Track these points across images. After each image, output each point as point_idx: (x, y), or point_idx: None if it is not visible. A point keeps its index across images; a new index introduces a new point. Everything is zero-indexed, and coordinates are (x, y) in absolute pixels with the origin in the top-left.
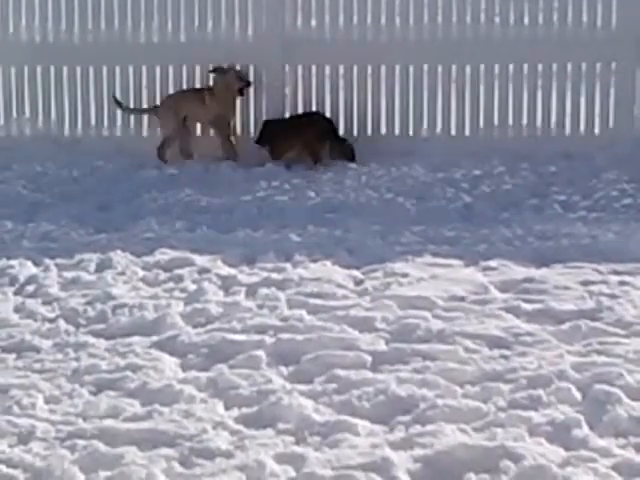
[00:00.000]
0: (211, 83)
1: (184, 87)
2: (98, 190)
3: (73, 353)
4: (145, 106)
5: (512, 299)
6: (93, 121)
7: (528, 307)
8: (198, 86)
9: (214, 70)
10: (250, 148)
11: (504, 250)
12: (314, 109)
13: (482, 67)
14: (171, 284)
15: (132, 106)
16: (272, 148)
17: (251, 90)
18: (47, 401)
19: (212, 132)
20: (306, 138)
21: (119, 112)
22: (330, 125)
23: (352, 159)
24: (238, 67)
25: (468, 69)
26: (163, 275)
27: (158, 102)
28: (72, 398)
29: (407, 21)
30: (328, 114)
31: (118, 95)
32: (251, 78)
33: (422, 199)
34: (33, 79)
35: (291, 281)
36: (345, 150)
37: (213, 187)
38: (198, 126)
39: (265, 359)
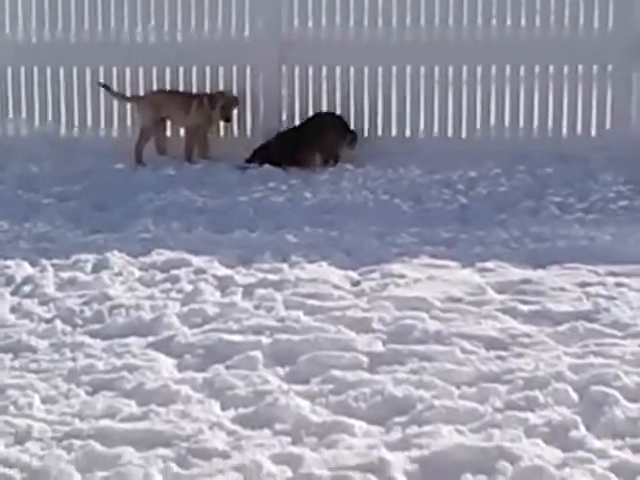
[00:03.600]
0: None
1: (169, 87)
2: (95, 190)
3: (70, 353)
4: (128, 95)
5: (509, 300)
6: (90, 121)
7: (525, 308)
8: (187, 90)
9: (210, 96)
10: (246, 149)
11: (501, 251)
12: (311, 111)
13: (479, 69)
14: (168, 285)
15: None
16: (296, 158)
17: (247, 91)
18: (44, 401)
19: (182, 131)
20: (328, 141)
21: (115, 113)
22: (341, 120)
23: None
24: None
25: (465, 71)
26: (160, 276)
27: (141, 93)
28: (69, 398)
29: (404, 22)
30: None
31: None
32: (248, 80)
33: (419, 200)
34: (29, 79)
35: (288, 282)
36: (353, 138)
37: (210, 188)
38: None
39: (262, 360)
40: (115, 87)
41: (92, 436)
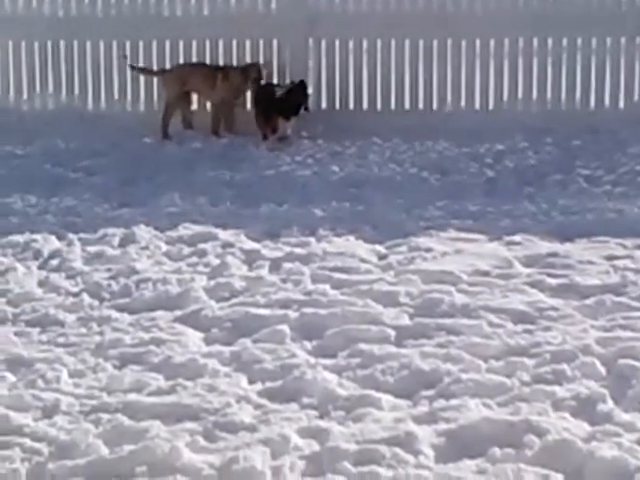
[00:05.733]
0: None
1: (195, 60)
2: (121, 165)
3: (97, 327)
4: (155, 69)
5: (536, 274)
6: (116, 96)
7: (552, 282)
8: (213, 63)
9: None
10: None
11: (528, 225)
12: (337, 83)
13: (506, 41)
14: (194, 258)
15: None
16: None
17: (275, 65)
18: (71, 375)
19: (208, 105)
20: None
21: (142, 87)
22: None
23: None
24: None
25: (492, 43)
26: (186, 250)
27: (167, 67)
28: (96, 372)
29: None
30: (351, 88)
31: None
32: (275, 54)
33: (446, 174)
34: (56, 54)
35: (315, 255)
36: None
37: (236, 162)
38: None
39: (289, 333)
40: (141, 61)
41: (119, 410)
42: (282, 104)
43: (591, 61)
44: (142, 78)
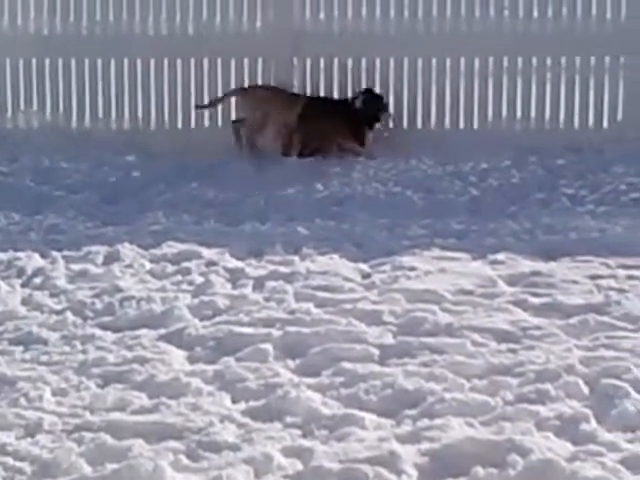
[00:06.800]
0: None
1: (265, 82)
2: (106, 183)
3: (80, 346)
4: (219, 95)
5: (520, 293)
6: (101, 114)
7: (536, 301)
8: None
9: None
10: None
11: (512, 243)
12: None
13: (491, 60)
14: (178, 277)
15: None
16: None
17: (259, 83)
18: (54, 393)
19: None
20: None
21: (126, 105)
22: None
23: None
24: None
25: (477, 62)
26: (170, 268)
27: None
28: (79, 391)
29: (416, 14)
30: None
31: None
32: (259, 72)
33: (430, 192)
34: (41, 71)
35: (298, 274)
36: None
37: (220, 180)
38: None
39: (272, 352)
40: (127, 80)
41: (102, 429)
42: (364, 114)
43: (575, 80)
44: (126, 94)
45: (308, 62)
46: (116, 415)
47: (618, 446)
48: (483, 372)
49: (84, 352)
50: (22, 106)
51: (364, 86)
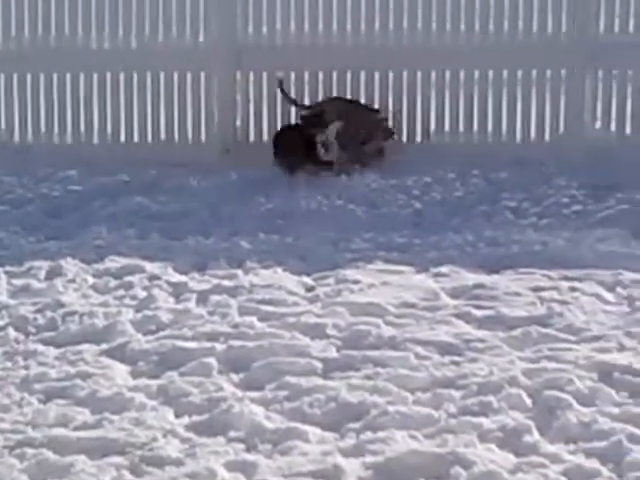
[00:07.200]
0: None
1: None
2: (48, 197)
3: (22, 361)
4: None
5: (463, 305)
6: (43, 128)
7: (479, 313)
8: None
9: None
10: (200, 156)
11: (455, 256)
12: (265, 117)
13: (433, 74)
14: (121, 291)
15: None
16: None
17: (202, 98)
18: None
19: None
20: None
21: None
22: None
23: None
24: None
25: (419, 75)
26: (113, 282)
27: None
28: (21, 407)
29: (359, 26)
30: (279, 121)
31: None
32: (202, 87)
33: (373, 206)
34: None
35: (242, 288)
36: None
37: (164, 194)
38: None
39: (216, 366)
40: (69, 95)
41: (45, 445)
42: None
43: (517, 93)
44: (69, 108)
45: (251, 76)
46: (58, 431)
47: (560, 457)
48: (426, 385)
49: (26, 368)
50: None
51: (305, 99)
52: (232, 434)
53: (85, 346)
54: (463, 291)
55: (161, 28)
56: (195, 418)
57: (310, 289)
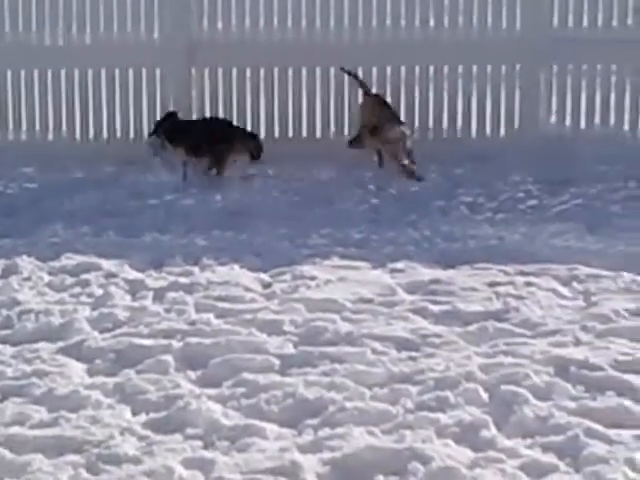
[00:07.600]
0: None
1: None
2: (3, 194)
3: None
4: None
5: (419, 301)
6: None
7: (435, 308)
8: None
9: None
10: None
11: (411, 252)
12: (220, 113)
13: (388, 69)
14: (77, 289)
15: None
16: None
17: (157, 93)
18: None
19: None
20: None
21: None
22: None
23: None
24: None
25: (375, 71)
26: (69, 280)
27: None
28: None
29: (313, 23)
30: (235, 117)
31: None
32: (157, 83)
33: (330, 202)
34: None
35: (198, 285)
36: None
37: (120, 191)
38: None
39: (173, 364)
40: (24, 91)
41: (1, 443)
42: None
43: (472, 88)
44: (24, 105)
45: (206, 72)
46: (15, 429)
47: (517, 452)
48: (384, 380)
49: None
50: None
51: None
52: (189, 431)
53: (41, 344)
54: (419, 286)
55: (115, 24)
56: (152, 416)
57: (267, 285)
